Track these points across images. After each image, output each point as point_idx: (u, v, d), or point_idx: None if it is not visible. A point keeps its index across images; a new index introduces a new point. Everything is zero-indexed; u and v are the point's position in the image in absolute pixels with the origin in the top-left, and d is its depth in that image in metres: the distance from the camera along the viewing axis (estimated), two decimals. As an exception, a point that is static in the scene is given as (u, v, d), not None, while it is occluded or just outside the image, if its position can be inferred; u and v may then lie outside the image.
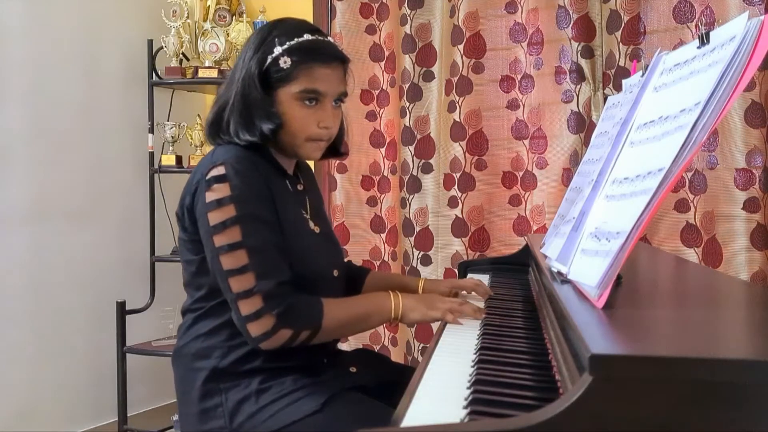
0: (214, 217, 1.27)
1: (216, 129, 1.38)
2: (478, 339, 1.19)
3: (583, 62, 2.33)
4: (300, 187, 1.47)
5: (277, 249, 1.29)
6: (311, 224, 1.44)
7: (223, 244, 1.26)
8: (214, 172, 1.28)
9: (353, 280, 1.63)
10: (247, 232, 1.26)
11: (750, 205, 2.09)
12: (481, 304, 1.45)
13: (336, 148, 1.49)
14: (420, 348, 2.63)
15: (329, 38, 1.39)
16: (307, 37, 1.34)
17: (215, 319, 1.35)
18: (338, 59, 1.37)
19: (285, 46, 1.32)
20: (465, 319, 1.34)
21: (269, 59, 1.33)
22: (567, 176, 2.37)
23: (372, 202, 2.79)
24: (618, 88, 2.26)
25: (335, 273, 1.46)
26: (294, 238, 1.35)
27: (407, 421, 0.81)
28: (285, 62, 1.32)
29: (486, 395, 0.86)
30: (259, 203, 1.29)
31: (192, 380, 1.35)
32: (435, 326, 1.43)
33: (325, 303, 1.31)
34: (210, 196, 1.27)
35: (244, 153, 1.33)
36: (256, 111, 1.33)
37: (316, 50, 1.34)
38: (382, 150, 2.77)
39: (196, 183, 1.32)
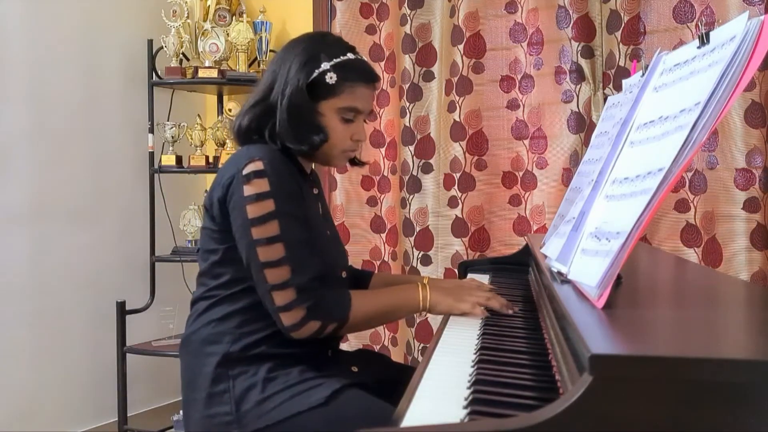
0: (253, 210, 1.32)
1: (252, 134, 1.42)
2: (478, 339, 1.19)
3: (583, 62, 2.33)
4: (315, 191, 1.53)
5: (309, 245, 1.35)
6: (323, 226, 1.50)
7: (261, 237, 1.31)
8: (252, 167, 1.33)
9: (358, 283, 1.67)
10: (285, 228, 1.32)
11: (750, 205, 2.09)
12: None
13: (355, 158, 1.58)
14: (420, 348, 2.63)
15: (364, 57, 1.48)
16: (350, 56, 1.42)
17: (228, 306, 1.39)
18: (377, 80, 1.46)
19: (332, 63, 1.40)
20: (473, 318, 1.35)
21: (316, 73, 1.39)
22: (567, 176, 2.37)
23: (372, 202, 2.79)
24: (618, 88, 2.26)
25: (343, 274, 1.53)
26: (315, 238, 1.40)
27: (407, 421, 0.81)
28: (331, 78, 1.39)
29: (486, 395, 0.86)
30: (294, 201, 1.36)
31: (201, 365, 1.37)
32: (435, 326, 1.43)
33: (353, 297, 1.37)
34: (248, 190, 1.32)
35: (277, 152, 1.38)
36: (304, 123, 1.40)
37: (361, 70, 1.43)
38: (382, 150, 2.77)
39: (230, 176, 1.35)
